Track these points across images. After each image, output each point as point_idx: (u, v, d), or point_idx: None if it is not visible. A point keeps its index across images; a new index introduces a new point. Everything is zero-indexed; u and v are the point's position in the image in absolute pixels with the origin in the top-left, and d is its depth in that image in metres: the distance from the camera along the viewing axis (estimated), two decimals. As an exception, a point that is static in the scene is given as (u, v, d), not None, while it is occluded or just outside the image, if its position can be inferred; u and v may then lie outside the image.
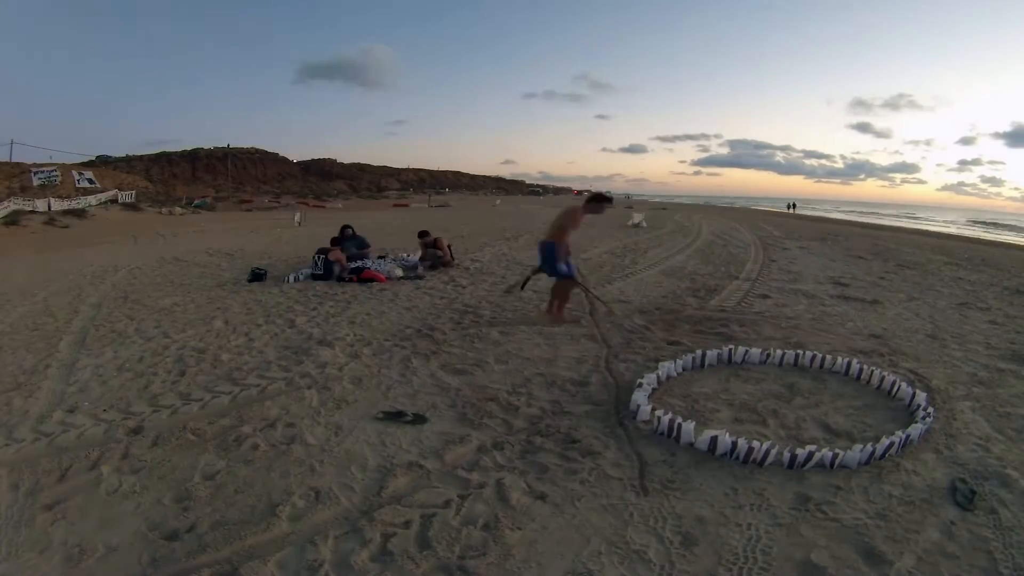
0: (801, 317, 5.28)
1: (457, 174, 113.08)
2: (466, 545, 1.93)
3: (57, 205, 24.07)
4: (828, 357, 3.71)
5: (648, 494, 2.25)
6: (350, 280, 6.99)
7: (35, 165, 29.79)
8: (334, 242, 7.84)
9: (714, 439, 2.52)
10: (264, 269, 7.71)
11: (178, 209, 29.85)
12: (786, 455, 2.42)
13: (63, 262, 10.31)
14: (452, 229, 15.16)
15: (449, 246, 8.63)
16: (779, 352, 3.82)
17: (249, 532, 2.01)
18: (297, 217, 21.25)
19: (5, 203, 21.88)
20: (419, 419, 2.95)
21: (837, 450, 2.44)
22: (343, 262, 7.30)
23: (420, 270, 7.79)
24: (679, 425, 2.64)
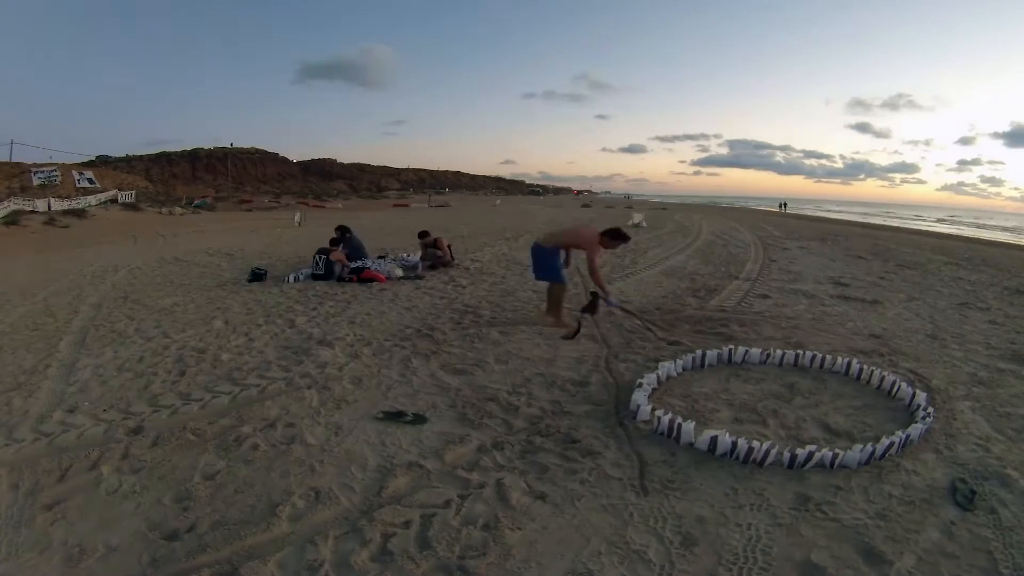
0: (801, 317, 5.28)
1: (457, 174, 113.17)
2: (466, 545, 1.93)
3: (57, 205, 24.10)
4: (828, 357, 3.71)
5: (648, 494, 2.25)
6: (350, 280, 6.99)
7: (35, 165, 29.80)
8: (333, 243, 7.84)
9: (714, 439, 2.52)
10: (264, 269, 7.71)
11: (178, 209, 29.86)
12: (786, 455, 2.42)
13: (63, 262, 10.32)
14: (452, 229, 15.16)
15: (449, 246, 8.63)
16: (779, 352, 3.82)
17: (249, 532, 2.01)
18: (297, 217, 21.27)
19: (5, 203, 21.89)
20: (419, 419, 2.95)
21: (837, 450, 2.44)
22: (344, 262, 7.29)
23: (420, 270, 7.80)
24: (679, 425, 2.64)
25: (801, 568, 1.83)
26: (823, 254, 11.13)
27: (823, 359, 3.71)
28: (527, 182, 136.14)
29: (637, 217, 19.32)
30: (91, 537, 2.02)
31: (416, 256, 8.50)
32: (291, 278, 7.23)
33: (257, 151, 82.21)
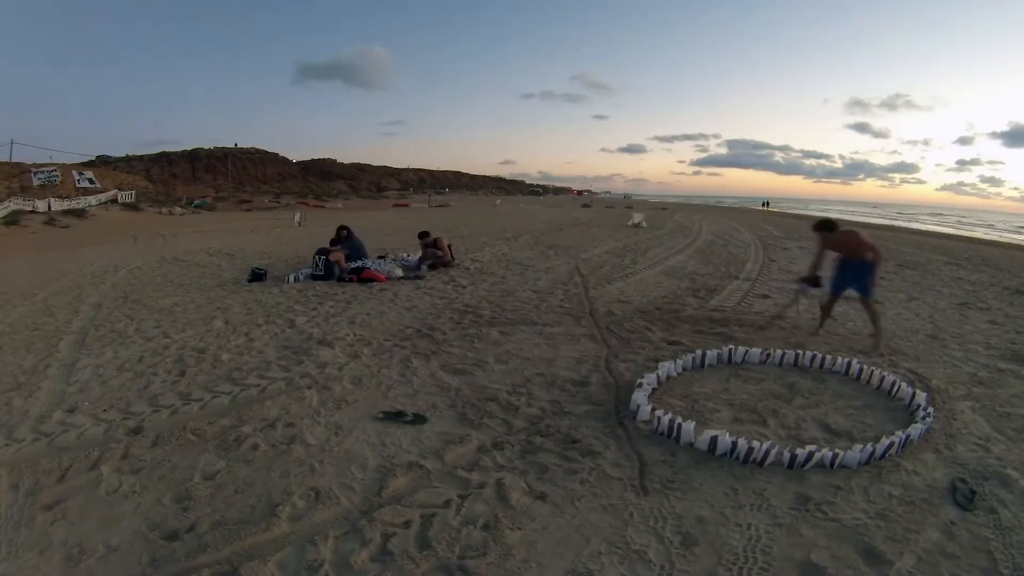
0: (801, 317, 5.28)
1: (457, 174, 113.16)
2: (466, 545, 1.93)
3: (57, 205, 24.11)
4: (828, 357, 3.72)
5: (648, 494, 2.25)
6: (350, 280, 6.99)
7: (35, 165, 29.82)
8: (334, 243, 7.84)
9: (714, 439, 2.52)
10: (264, 269, 7.71)
11: (178, 209, 29.86)
12: (786, 455, 2.42)
13: (63, 262, 10.32)
14: (452, 229, 15.16)
15: (449, 246, 8.63)
16: (779, 352, 3.82)
17: (249, 532, 2.01)
18: (297, 217, 21.27)
19: (5, 203, 21.90)
20: (419, 419, 2.95)
21: (837, 450, 2.44)
22: (342, 263, 7.29)
23: (421, 270, 7.80)
24: (679, 425, 2.64)
25: (801, 568, 1.83)
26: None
27: (823, 359, 3.71)
28: (527, 182, 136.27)
29: (637, 217, 19.31)
30: (91, 537, 2.02)
31: (416, 256, 8.51)
32: (291, 278, 7.23)
33: (257, 151, 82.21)
